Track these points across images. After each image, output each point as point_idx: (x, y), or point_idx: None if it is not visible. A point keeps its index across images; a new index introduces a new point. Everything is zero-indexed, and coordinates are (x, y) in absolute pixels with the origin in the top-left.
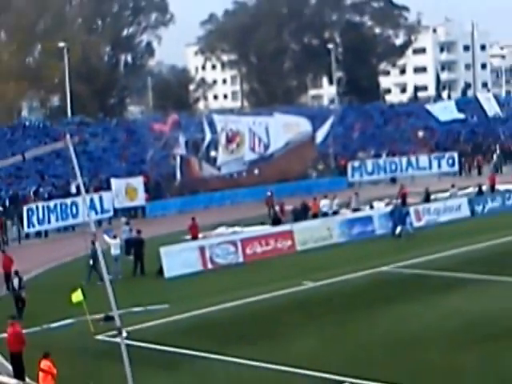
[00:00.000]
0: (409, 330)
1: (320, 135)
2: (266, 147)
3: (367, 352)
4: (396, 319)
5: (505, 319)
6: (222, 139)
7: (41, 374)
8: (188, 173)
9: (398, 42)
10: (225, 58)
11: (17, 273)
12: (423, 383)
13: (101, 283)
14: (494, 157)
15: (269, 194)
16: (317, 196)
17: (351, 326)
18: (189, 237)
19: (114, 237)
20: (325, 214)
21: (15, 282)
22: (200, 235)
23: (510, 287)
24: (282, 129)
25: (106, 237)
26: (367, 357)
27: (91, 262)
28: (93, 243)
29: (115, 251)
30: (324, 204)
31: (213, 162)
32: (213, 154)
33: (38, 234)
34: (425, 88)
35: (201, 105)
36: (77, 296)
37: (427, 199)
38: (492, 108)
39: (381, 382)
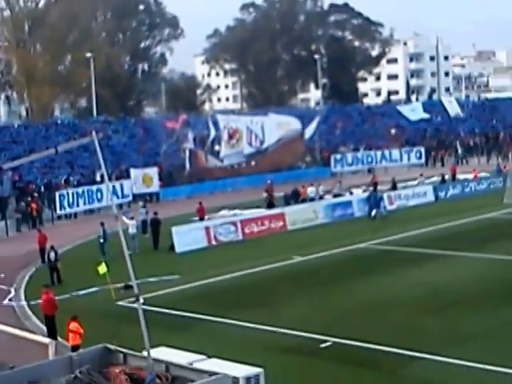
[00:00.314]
0: (382, 297)
1: (308, 132)
2: (262, 142)
3: (347, 315)
4: (371, 288)
5: (462, 288)
6: (225, 135)
7: (70, 334)
8: (195, 164)
9: (374, 53)
10: (227, 66)
11: (53, 247)
12: (393, 341)
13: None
14: (459, 151)
15: (269, 181)
16: (305, 183)
17: (334, 293)
18: (196, 218)
19: (131, 218)
20: (312, 199)
21: (51, 255)
22: (206, 217)
23: (467, 261)
24: (276, 127)
25: (124, 218)
26: (347, 319)
27: (101, 241)
28: (102, 224)
29: (132, 230)
30: (311, 190)
31: (216, 154)
32: (216, 148)
33: (69, 215)
34: (396, 92)
35: (206, 106)
36: (101, 268)
37: (394, 187)
38: (454, 109)
39: (358, 340)
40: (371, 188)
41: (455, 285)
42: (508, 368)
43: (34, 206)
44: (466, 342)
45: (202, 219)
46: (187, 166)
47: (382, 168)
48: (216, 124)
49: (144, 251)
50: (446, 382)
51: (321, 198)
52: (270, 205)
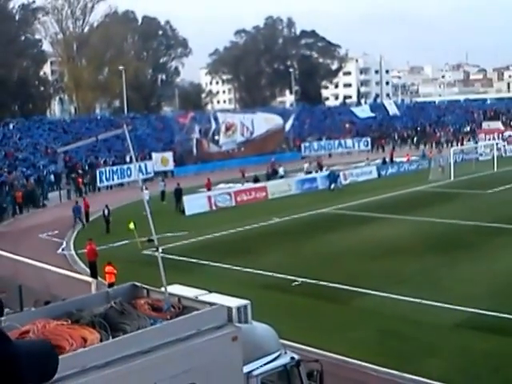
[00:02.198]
0: (339, 248)
1: (287, 126)
2: (251, 133)
3: (313, 261)
4: (331, 241)
5: (398, 241)
6: (223, 128)
7: (106, 275)
8: (200, 149)
9: (334, 67)
10: (224, 77)
11: (107, 206)
12: (347, 281)
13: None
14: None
15: (272, 159)
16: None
17: (303, 245)
18: (203, 189)
19: (146, 188)
20: (282, 177)
21: (105, 211)
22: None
23: (402, 221)
24: (263, 121)
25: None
26: (312, 264)
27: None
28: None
29: (146, 197)
30: (281, 169)
31: (216, 142)
32: (216, 137)
33: (106, 187)
34: (350, 97)
35: (209, 106)
36: (130, 225)
37: (320, 168)
38: (392, 109)
39: (321, 280)
40: (330, 168)
41: (393, 239)
42: (433, 301)
43: (80, 180)
44: (401, 281)
45: (209, 190)
46: (194, 151)
47: (339, 153)
48: (216, 119)
49: (161, 214)
50: (385, 310)
51: (309, 172)
52: (274, 173)
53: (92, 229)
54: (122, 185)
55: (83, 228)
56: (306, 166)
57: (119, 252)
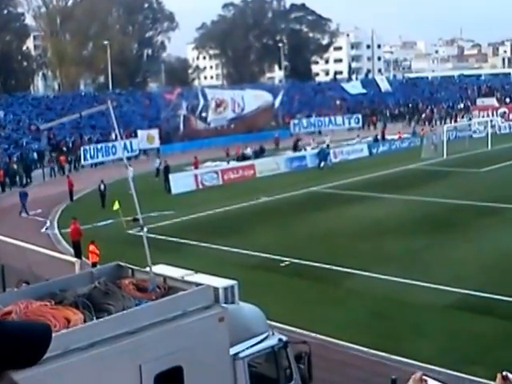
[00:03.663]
0: (327, 228)
1: (276, 103)
2: (242, 109)
3: (301, 241)
4: (320, 221)
5: (388, 221)
6: (212, 104)
7: (90, 255)
8: (188, 126)
9: (324, 42)
10: (211, 52)
11: (102, 181)
12: (335, 261)
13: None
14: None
15: (276, 135)
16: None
17: (291, 225)
18: (190, 168)
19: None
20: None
21: (102, 186)
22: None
23: (393, 201)
24: (253, 98)
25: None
26: (301, 244)
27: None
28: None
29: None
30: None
31: (204, 119)
32: (204, 114)
33: (91, 165)
34: (341, 72)
35: (196, 82)
36: (115, 205)
37: (295, 148)
38: (384, 86)
39: (309, 260)
40: (323, 145)
41: (383, 219)
42: (421, 282)
43: (62, 158)
44: (390, 261)
45: (196, 168)
46: (181, 128)
47: (329, 130)
48: (205, 96)
49: (147, 192)
50: (373, 291)
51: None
52: (295, 148)
53: (77, 207)
54: (104, 163)
55: (67, 206)
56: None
57: (104, 231)
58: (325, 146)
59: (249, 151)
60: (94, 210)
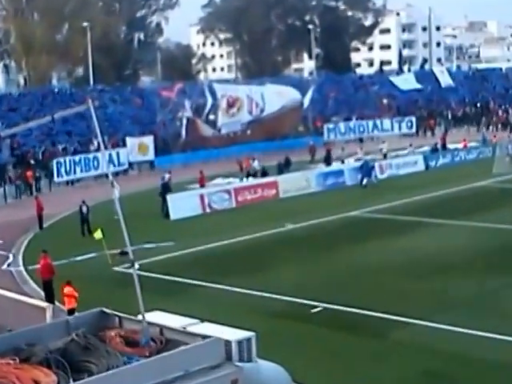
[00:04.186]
0: (372, 263)
1: (305, 102)
2: (262, 110)
3: (337, 281)
4: (361, 254)
5: (451, 255)
6: (223, 104)
7: (65, 299)
8: (192, 132)
9: (367, 23)
10: (222, 36)
11: (84, 202)
12: (382, 306)
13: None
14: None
15: (311, 143)
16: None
17: (325, 260)
18: (193, 186)
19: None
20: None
21: (84, 208)
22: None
23: (456, 228)
24: (276, 95)
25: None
26: (337, 285)
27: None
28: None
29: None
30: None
31: (212, 123)
32: (211, 116)
33: (66, 182)
34: (389, 62)
35: (201, 75)
36: (97, 234)
37: (328, 160)
38: (445, 79)
39: (348, 306)
40: (365, 157)
41: (444, 251)
42: (494, 333)
43: (29, 173)
44: (453, 307)
45: (202, 187)
46: (183, 134)
47: (373, 137)
48: (213, 93)
49: (140, 217)
50: (433, 347)
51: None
52: (328, 161)
53: (48, 237)
54: (83, 180)
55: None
56: (359, 151)
57: (84, 268)
58: (369, 157)
59: (256, 165)
60: (71, 240)
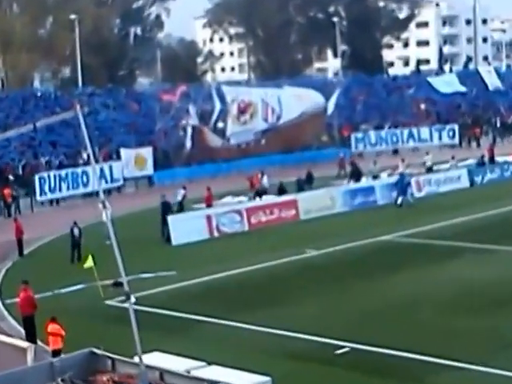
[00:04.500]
0: (408, 296)
1: (330, 107)
2: (279, 117)
3: (367, 317)
4: (396, 286)
5: (503, 286)
6: (234, 110)
7: (50, 337)
8: (198, 143)
9: (402, 15)
10: (232, 30)
11: (76, 223)
12: (421, 347)
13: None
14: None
15: (341, 155)
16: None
17: (353, 292)
18: (201, 205)
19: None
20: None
21: (75, 231)
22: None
23: (507, 255)
24: (295, 100)
25: (100, 205)
26: (367, 322)
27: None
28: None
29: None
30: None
31: (221, 132)
32: (220, 125)
33: (50, 202)
34: (427, 61)
35: (208, 76)
36: (88, 262)
37: (355, 176)
38: (492, 81)
39: (380, 346)
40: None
41: (494, 282)
42: None
43: (7, 191)
44: (509, 348)
45: (209, 207)
46: (187, 145)
47: (409, 149)
48: (222, 97)
49: (137, 242)
50: None
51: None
52: (357, 175)
53: (29, 266)
54: (70, 199)
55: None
56: (401, 165)
57: (71, 302)
58: (407, 171)
59: (265, 182)
60: (56, 268)
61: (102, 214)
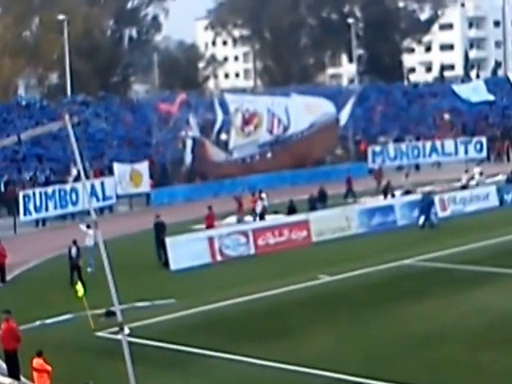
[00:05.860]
0: (431, 328)
1: (343, 118)
2: (286, 129)
3: (385, 351)
4: (418, 317)
5: None
6: (237, 121)
7: (35, 374)
8: (199, 157)
9: (424, 16)
10: (237, 33)
11: (75, 242)
12: (444, 382)
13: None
14: None
15: (376, 167)
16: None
17: (369, 323)
18: (201, 226)
19: (88, 226)
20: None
21: (73, 250)
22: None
23: None
24: (304, 110)
25: (82, 226)
26: (385, 356)
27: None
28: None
29: (89, 242)
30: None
31: (224, 145)
32: (223, 137)
33: (35, 222)
34: (452, 67)
35: (211, 84)
36: (78, 290)
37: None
38: None
39: (397, 382)
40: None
41: None
42: None
43: None
44: None
45: (211, 228)
46: (188, 160)
47: (432, 164)
48: (225, 106)
49: (131, 267)
50: None
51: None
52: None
53: (12, 294)
54: (63, 218)
55: None
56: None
57: (58, 334)
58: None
59: (263, 203)
60: (43, 296)
61: (86, 238)
